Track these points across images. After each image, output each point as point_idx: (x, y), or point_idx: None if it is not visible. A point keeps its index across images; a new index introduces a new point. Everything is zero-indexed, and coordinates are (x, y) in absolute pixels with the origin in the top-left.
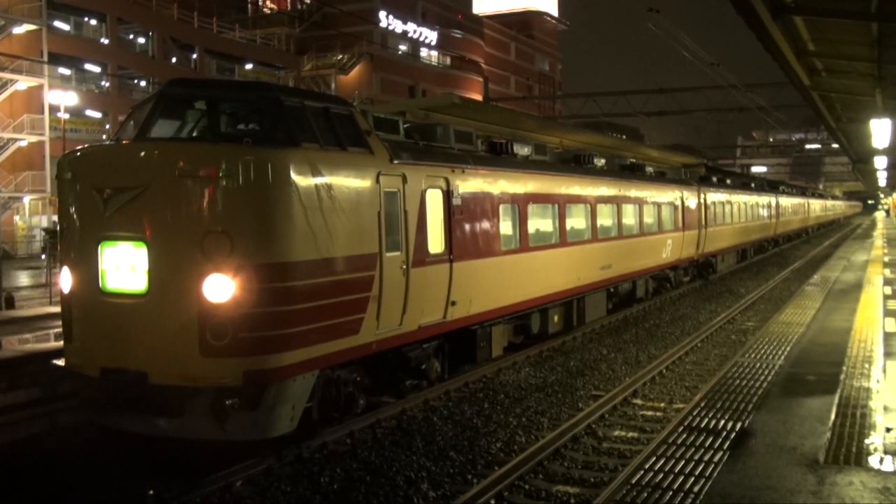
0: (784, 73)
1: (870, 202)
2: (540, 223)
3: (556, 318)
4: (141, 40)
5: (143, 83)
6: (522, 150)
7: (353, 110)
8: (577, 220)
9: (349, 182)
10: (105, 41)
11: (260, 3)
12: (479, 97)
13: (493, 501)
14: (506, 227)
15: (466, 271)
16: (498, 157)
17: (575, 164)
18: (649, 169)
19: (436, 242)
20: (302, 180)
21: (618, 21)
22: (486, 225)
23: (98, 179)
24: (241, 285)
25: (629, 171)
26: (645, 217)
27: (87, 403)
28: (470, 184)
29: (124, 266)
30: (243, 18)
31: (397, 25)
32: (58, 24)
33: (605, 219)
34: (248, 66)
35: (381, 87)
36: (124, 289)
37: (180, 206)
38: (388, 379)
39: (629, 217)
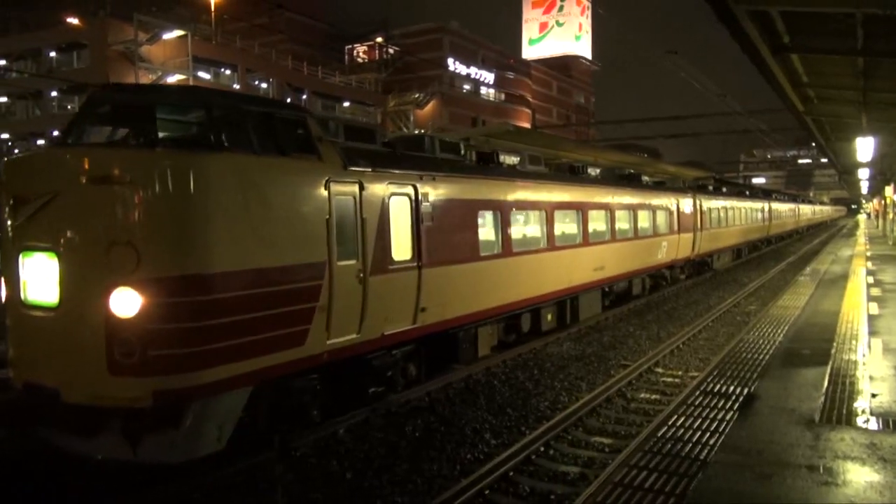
0: (781, 101)
1: (853, 207)
2: (526, 229)
3: (549, 316)
4: (264, 85)
5: None
6: (509, 160)
7: (305, 116)
8: (566, 226)
9: (289, 189)
10: (237, 87)
11: (355, 55)
12: (527, 125)
13: (542, 448)
14: (486, 233)
15: (438, 277)
16: (480, 165)
17: (570, 173)
18: (646, 178)
19: (401, 249)
20: (226, 187)
21: (642, 62)
22: (461, 231)
23: (17, 186)
24: (150, 299)
25: (626, 181)
26: (640, 222)
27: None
28: (442, 191)
29: (40, 277)
30: (342, 66)
31: (462, 69)
32: (201, 73)
33: (597, 224)
34: (346, 104)
35: (449, 118)
36: (40, 301)
37: (87, 214)
38: (351, 387)
39: (623, 222)
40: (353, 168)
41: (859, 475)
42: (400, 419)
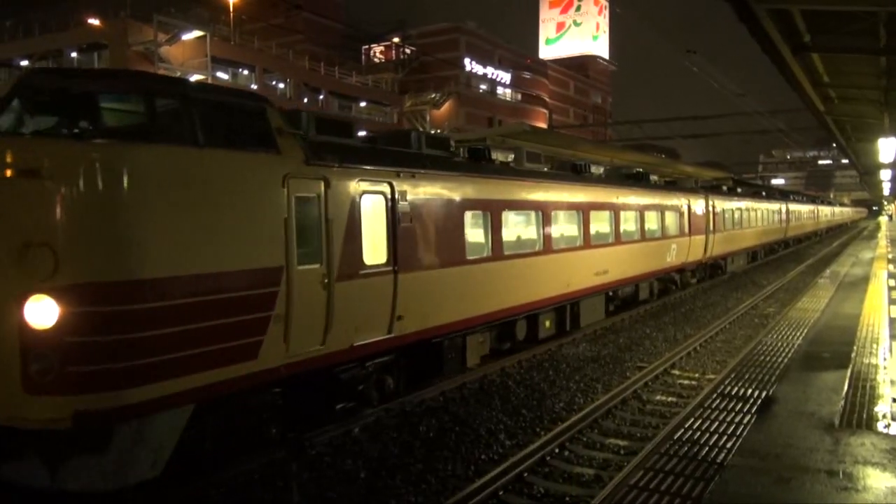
0: (802, 101)
1: (874, 208)
2: (519, 230)
3: (547, 323)
4: (281, 85)
5: None
6: (503, 157)
7: (264, 107)
8: (564, 227)
9: (238, 186)
10: (254, 87)
11: (371, 55)
12: (544, 125)
13: (557, 450)
14: (473, 234)
15: (417, 283)
16: (469, 162)
17: (573, 172)
18: (654, 178)
19: (374, 253)
20: (162, 183)
21: (659, 61)
22: (445, 233)
23: None
24: (69, 309)
25: (632, 180)
26: (647, 223)
27: None
28: (423, 189)
29: None
30: (358, 67)
31: (478, 69)
32: (220, 74)
33: (600, 225)
34: (363, 104)
35: (466, 118)
36: None
37: (1, 212)
38: (317, 403)
39: (628, 223)
40: (318, 163)
41: (880, 481)
42: (414, 419)
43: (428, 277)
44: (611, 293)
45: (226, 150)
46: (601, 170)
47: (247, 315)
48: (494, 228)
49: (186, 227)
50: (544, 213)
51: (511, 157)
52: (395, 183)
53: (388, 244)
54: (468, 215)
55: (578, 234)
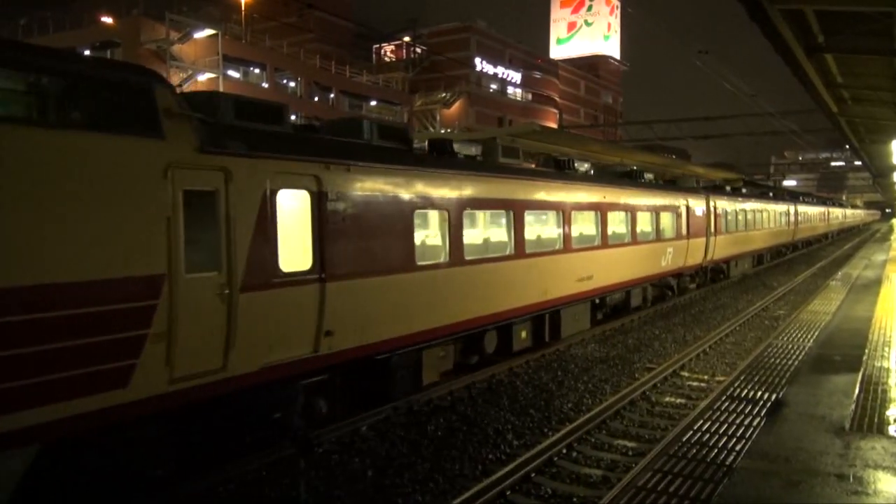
0: (815, 102)
1: (887, 210)
2: (484, 232)
3: (523, 334)
4: (291, 84)
5: (293, 117)
6: (468, 151)
7: (150, 83)
8: (541, 229)
9: (101, 177)
10: (265, 85)
11: (382, 54)
12: (554, 125)
13: (564, 450)
14: (426, 237)
15: (352, 292)
16: (427, 156)
17: (556, 168)
18: (649, 176)
19: (295, 258)
20: None
21: (671, 61)
22: (389, 235)
23: None
24: None
25: (622, 179)
26: (638, 225)
27: None
28: (360, 184)
29: None
30: (369, 66)
31: (489, 69)
32: (231, 72)
33: (584, 227)
34: (373, 103)
35: (476, 118)
36: None
37: None
38: (217, 435)
39: (617, 225)
40: (216, 151)
41: (890, 485)
42: (422, 418)
43: (366, 286)
44: (597, 300)
45: (86, 133)
46: (585, 166)
47: (111, 335)
48: (453, 230)
49: (23, 226)
50: (515, 213)
51: (477, 150)
52: (323, 177)
53: (314, 248)
54: (420, 215)
55: (557, 236)
